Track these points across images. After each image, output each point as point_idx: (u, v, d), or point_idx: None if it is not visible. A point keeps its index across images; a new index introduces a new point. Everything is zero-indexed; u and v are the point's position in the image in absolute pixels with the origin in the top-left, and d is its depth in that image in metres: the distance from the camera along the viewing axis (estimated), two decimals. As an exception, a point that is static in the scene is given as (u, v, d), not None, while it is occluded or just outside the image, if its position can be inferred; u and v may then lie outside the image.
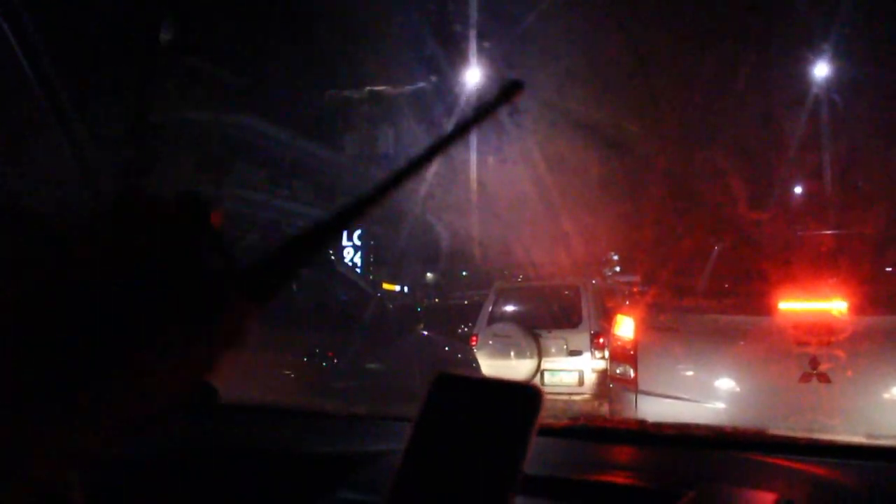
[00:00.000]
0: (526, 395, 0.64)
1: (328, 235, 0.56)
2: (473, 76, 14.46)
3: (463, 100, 14.64)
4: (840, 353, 4.14)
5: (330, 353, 6.41)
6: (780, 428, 1.94)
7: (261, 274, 0.54)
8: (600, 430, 1.80)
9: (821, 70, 14.34)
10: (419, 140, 16.10)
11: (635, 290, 10.89)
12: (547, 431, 1.73)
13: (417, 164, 0.59)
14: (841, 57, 13.70)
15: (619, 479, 1.42)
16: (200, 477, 1.47)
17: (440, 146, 0.60)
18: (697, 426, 1.77)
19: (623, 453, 1.65)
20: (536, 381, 9.06)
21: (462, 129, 0.61)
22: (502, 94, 0.63)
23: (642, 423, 1.76)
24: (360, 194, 0.57)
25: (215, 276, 0.52)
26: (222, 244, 0.53)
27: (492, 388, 0.65)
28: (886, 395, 4.11)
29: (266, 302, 0.54)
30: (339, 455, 1.55)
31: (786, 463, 1.46)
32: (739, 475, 1.42)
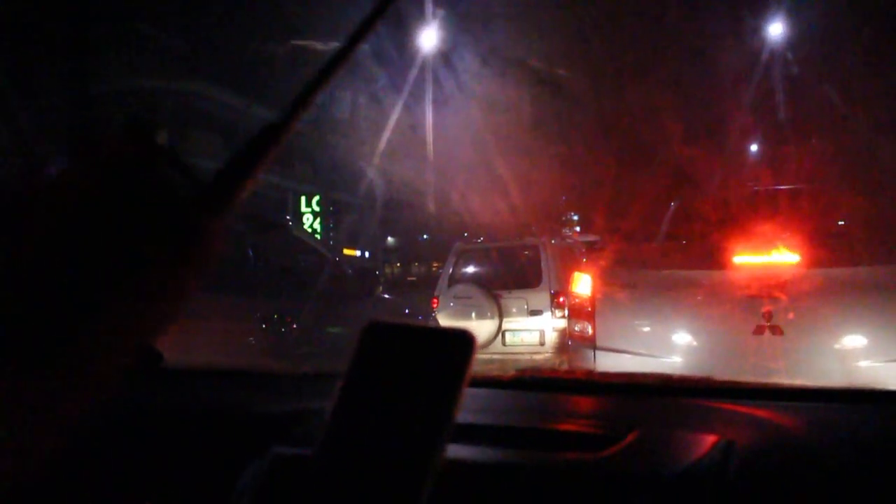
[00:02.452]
0: (458, 340, 0.62)
1: (273, 140, 0.57)
2: (429, 38, 14.31)
3: (416, 59, 14.52)
4: (792, 305, 4.20)
5: (289, 319, 6.39)
6: (730, 376, 1.96)
7: (220, 185, 0.55)
8: (548, 381, 1.80)
9: (775, 28, 14.43)
10: (376, 103, 15.95)
11: (596, 248, 10.98)
12: (495, 383, 1.74)
13: (327, 72, 0.61)
14: (795, 12, 13.80)
15: (564, 425, 1.42)
16: (138, 438, 1.45)
17: (331, 65, 0.61)
18: (645, 375, 1.78)
19: (570, 402, 1.66)
20: (498, 341, 9.12)
21: (351, 43, 0.63)
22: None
23: (590, 373, 1.77)
24: (274, 122, 0.58)
25: (179, 194, 0.52)
26: (179, 161, 0.53)
27: (423, 335, 0.63)
28: (836, 346, 4.18)
29: (228, 211, 0.55)
30: (279, 413, 1.54)
31: (730, 407, 1.48)
32: (683, 419, 1.43)
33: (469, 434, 1.22)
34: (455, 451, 0.65)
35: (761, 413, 1.42)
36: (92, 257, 0.47)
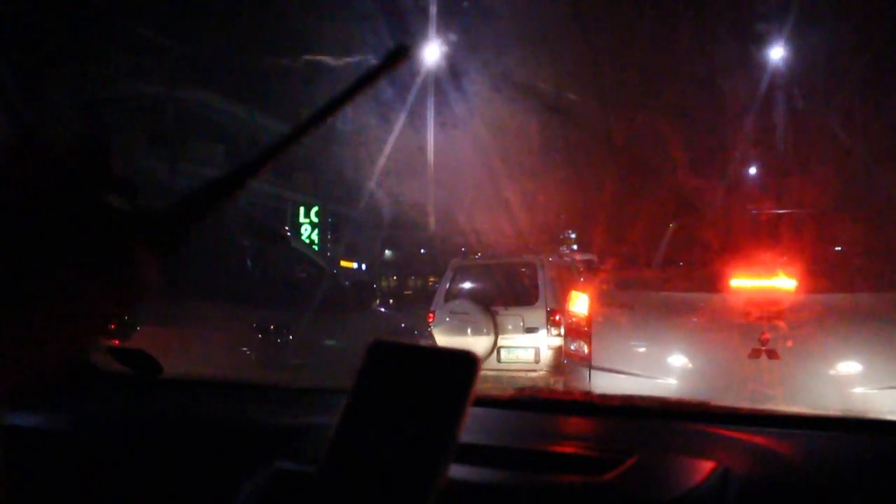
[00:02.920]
0: (462, 361, 0.62)
1: (232, 186, 0.57)
2: (432, 52, 14.35)
3: (420, 74, 14.55)
4: (788, 330, 4.20)
5: (285, 330, 6.38)
6: (727, 401, 1.96)
7: (168, 219, 0.54)
8: (546, 402, 1.80)
9: (777, 54, 14.51)
10: (376, 115, 15.97)
11: (594, 268, 10.97)
12: (493, 403, 1.73)
13: (310, 124, 0.61)
14: (795, 38, 13.87)
15: (562, 447, 1.42)
16: (140, 449, 1.45)
17: (328, 109, 0.62)
18: (642, 397, 1.78)
19: (568, 423, 1.66)
20: (493, 358, 9.11)
21: (348, 94, 0.63)
22: (388, 59, 0.64)
23: (587, 394, 1.77)
24: (261, 150, 0.59)
25: (119, 219, 0.51)
26: (125, 188, 0.52)
27: (428, 355, 0.64)
28: (832, 372, 4.18)
29: (173, 249, 0.54)
30: (280, 427, 1.54)
31: (727, 433, 1.48)
32: (681, 444, 1.43)
33: (469, 454, 1.22)
34: (456, 471, 0.65)
35: (758, 440, 1.43)
36: (17, 255, 0.47)
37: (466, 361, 0.62)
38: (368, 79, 0.63)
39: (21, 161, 0.49)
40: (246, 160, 0.57)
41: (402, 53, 0.63)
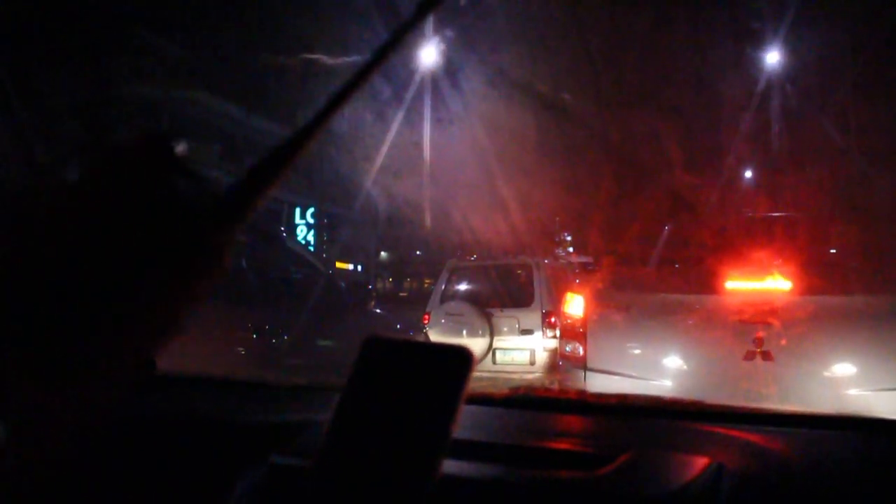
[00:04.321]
0: (456, 357, 0.62)
1: (290, 155, 0.58)
2: (429, 54, 14.35)
3: (416, 72, 14.53)
4: (783, 332, 4.21)
5: (280, 330, 6.38)
6: (721, 401, 1.97)
7: (233, 198, 0.55)
8: (541, 400, 1.80)
9: (773, 58, 14.54)
10: (372, 114, 15.96)
11: (590, 270, 10.98)
12: (488, 401, 1.74)
13: (351, 88, 0.60)
14: (791, 38, 13.90)
15: (557, 444, 1.43)
16: (135, 445, 1.45)
17: (368, 70, 0.61)
18: (637, 396, 1.78)
19: (562, 421, 1.66)
20: (488, 360, 9.10)
21: (390, 45, 0.62)
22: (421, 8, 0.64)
23: (582, 392, 1.77)
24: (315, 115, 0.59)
25: (192, 204, 0.52)
26: (194, 172, 0.53)
27: (422, 351, 0.64)
28: (826, 374, 4.19)
29: (240, 225, 0.54)
30: (276, 423, 1.54)
31: (721, 430, 1.48)
32: (674, 441, 1.44)
33: (464, 450, 1.22)
34: (450, 466, 0.65)
35: (752, 437, 1.43)
36: (101, 264, 0.47)
37: (460, 357, 0.62)
38: (401, 34, 0.63)
39: (95, 164, 0.50)
40: (297, 132, 0.58)
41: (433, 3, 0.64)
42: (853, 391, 4.09)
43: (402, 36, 0.64)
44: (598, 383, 4.58)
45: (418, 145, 16.26)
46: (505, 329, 9.24)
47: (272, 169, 0.57)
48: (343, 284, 8.06)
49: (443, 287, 9.93)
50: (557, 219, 16.43)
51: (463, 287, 9.99)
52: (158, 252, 0.49)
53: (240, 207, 0.55)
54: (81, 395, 0.47)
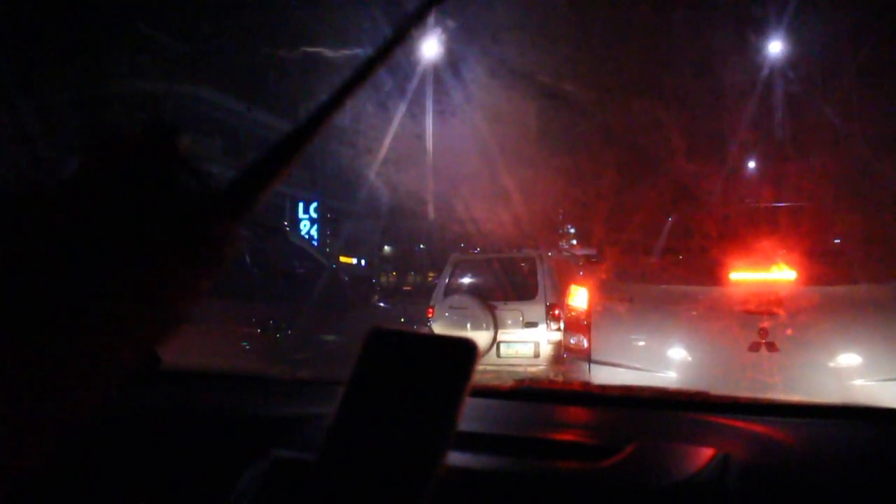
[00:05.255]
0: (460, 348, 0.62)
1: (294, 149, 0.57)
2: (431, 46, 14.32)
3: (418, 62, 14.51)
4: (788, 322, 4.20)
5: (284, 325, 6.39)
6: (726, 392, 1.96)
7: (236, 192, 0.54)
8: (545, 392, 1.80)
9: (776, 47, 14.50)
10: (374, 105, 15.94)
11: (594, 262, 10.97)
12: (493, 393, 1.74)
13: (355, 83, 0.60)
14: (794, 25, 13.86)
15: (562, 436, 1.42)
16: (136, 440, 1.45)
17: (372, 65, 0.61)
18: (641, 388, 1.78)
19: (567, 413, 1.66)
20: (492, 353, 9.10)
21: (393, 41, 0.62)
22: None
23: (586, 384, 1.77)
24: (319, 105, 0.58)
25: (194, 199, 0.51)
26: (196, 167, 0.53)
27: (426, 343, 0.63)
28: (831, 364, 4.18)
29: (242, 219, 0.54)
30: (279, 416, 1.54)
31: (727, 421, 1.48)
32: (680, 432, 1.43)
33: (469, 442, 1.22)
34: (455, 458, 0.65)
35: (758, 428, 1.43)
36: (101, 256, 0.47)
37: (465, 349, 0.62)
38: (403, 31, 0.63)
39: (96, 157, 0.50)
40: (301, 123, 0.57)
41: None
42: (858, 381, 4.08)
43: (406, 32, 0.63)
44: (603, 375, 4.57)
45: (421, 137, 16.25)
46: (509, 322, 9.24)
47: (275, 163, 0.56)
48: (346, 279, 8.06)
49: (446, 280, 9.93)
50: (561, 210, 16.40)
51: (466, 280, 9.99)
52: (159, 246, 0.49)
53: (242, 202, 0.54)
54: (82, 389, 0.47)
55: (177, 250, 0.49)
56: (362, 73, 0.60)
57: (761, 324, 4.23)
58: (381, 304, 8.81)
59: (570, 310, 5.14)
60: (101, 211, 0.48)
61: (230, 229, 0.53)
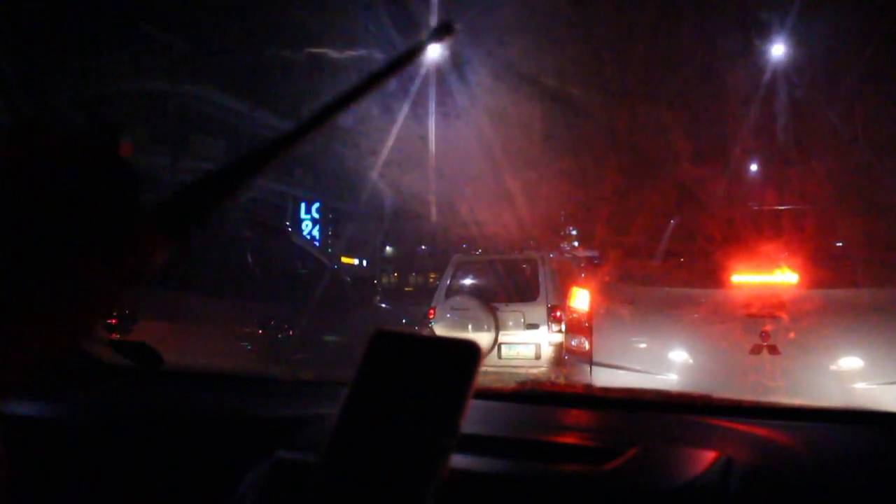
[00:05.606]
0: (463, 351, 0.62)
1: (244, 174, 0.56)
2: (435, 48, 14.29)
3: (422, 64, 14.49)
4: (790, 326, 4.20)
5: (286, 325, 6.39)
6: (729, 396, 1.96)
7: (177, 207, 0.54)
8: (547, 394, 1.80)
9: (779, 50, 14.50)
10: (378, 107, 15.94)
11: (596, 264, 10.96)
12: (495, 396, 1.74)
13: (340, 104, 0.61)
14: (798, 28, 13.85)
15: (565, 438, 1.42)
16: (142, 439, 1.45)
17: (367, 85, 0.62)
18: (644, 390, 1.78)
19: (569, 415, 1.66)
20: (493, 354, 9.09)
21: (393, 67, 0.64)
22: (433, 35, 0.64)
23: (588, 386, 1.77)
24: (277, 136, 0.58)
25: (126, 206, 0.51)
26: (133, 174, 0.52)
27: (430, 345, 0.64)
28: (833, 367, 4.17)
29: (183, 238, 0.54)
30: (282, 417, 1.54)
31: (729, 424, 1.48)
32: (682, 435, 1.43)
33: (470, 444, 1.22)
34: (458, 461, 0.65)
35: (760, 431, 1.43)
36: (30, 244, 0.47)
37: (468, 351, 0.62)
38: (409, 56, 0.65)
39: (26, 148, 0.49)
40: (248, 151, 0.57)
41: (446, 30, 0.64)
42: (860, 385, 4.07)
43: (413, 57, 0.64)
44: (605, 378, 4.57)
45: (424, 139, 16.24)
46: (510, 323, 9.24)
47: (221, 185, 0.55)
48: (348, 279, 8.06)
49: (448, 282, 9.92)
50: (563, 212, 16.39)
51: (468, 281, 9.98)
52: (87, 236, 0.48)
53: (177, 215, 0.54)
54: (10, 374, 0.46)
55: (105, 243, 0.49)
56: (357, 92, 0.61)
57: (763, 327, 4.23)
58: (383, 305, 8.81)
59: (572, 312, 5.14)
60: (28, 194, 0.47)
61: (156, 239, 0.52)
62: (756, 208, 6.59)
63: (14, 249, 0.46)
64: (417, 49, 0.64)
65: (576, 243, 16.07)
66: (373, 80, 0.62)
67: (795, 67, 14.11)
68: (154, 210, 0.53)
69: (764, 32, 13.97)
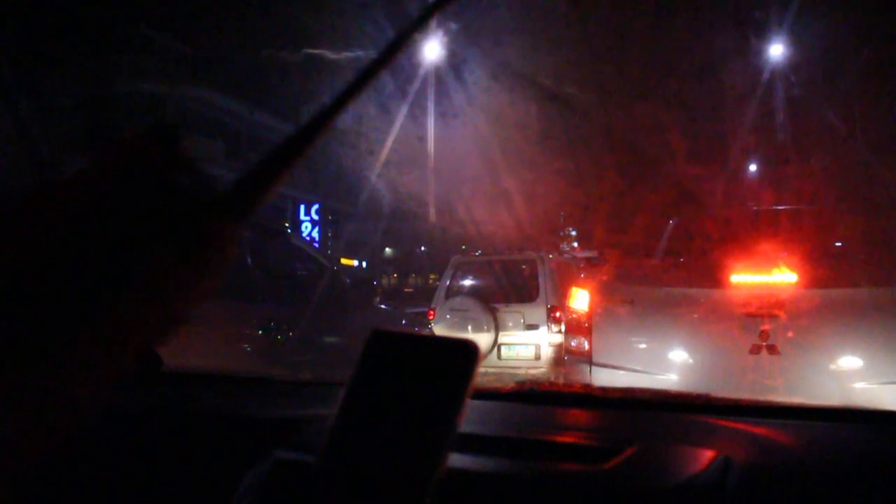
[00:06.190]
0: (462, 350, 0.62)
1: (295, 151, 0.57)
2: (433, 48, 14.34)
3: (420, 64, 14.51)
4: (789, 325, 4.20)
5: (285, 326, 6.38)
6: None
7: (237, 194, 0.54)
8: (546, 394, 1.80)
9: (777, 50, 14.50)
10: (376, 108, 15.94)
11: (596, 264, 10.96)
12: (494, 395, 1.74)
13: (358, 86, 0.60)
14: (795, 27, 13.87)
15: (563, 438, 1.42)
16: (141, 440, 1.45)
17: (375, 68, 0.61)
18: (642, 390, 1.78)
19: (568, 415, 1.66)
20: (493, 355, 9.09)
21: (400, 41, 0.63)
22: (426, 12, 0.64)
23: (587, 386, 1.77)
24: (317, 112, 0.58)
25: (193, 201, 0.51)
26: (197, 168, 0.53)
27: (428, 344, 0.64)
28: (832, 367, 4.18)
29: (244, 220, 0.54)
30: (280, 418, 1.54)
31: (727, 423, 1.48)
32: (681, 434, 1.43)
33: (469, 444, 1.22)
34: (456, 460, 0.65)
35: (758, 430, 1.43)
36: (103, 257, 0.47)
37: (466, 350, 0.62)
38: (406, 35, 0.63)
39: (98, 159, 0.50)
40: (302, 126, 0.58)
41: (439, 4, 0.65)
42: (859, 384, 4.08)
43: (410, 35, 0.64)
44: (604, 377, 4.57)
45: (422, 140, 16.25)
46: (510, 324, 9.24)
47: (276, 166, 0.56)
48: (348, 280, 8.04)
49: (448, 282, 9.92)
50: (562, 213, 16.39)
51: (468, 282, 9.98)
52: (160, 247, 0.49)
53: (243, 204, 0.54)
54: (82, 389, 0.47)
55: (178, 252, 0.50)
56: (365, 77, 0.60)
57: (762, 326, 4.23)
58: (382, 306, 8.80)
59: (571, 312, 5.14)
60: (103, 211, 0.48)
61: (231, 231, 0.53)
62: (755, 208, 6.59)
63: (87, 260, 0.47)
64: (417, 24, 0.65)
65: (575, 244, 16.07)
66: (384, 58, 0.62)
67: (793, 66, 14.12)
68: (216, 204, 0.53)
69: (761, 31, 13.99)
